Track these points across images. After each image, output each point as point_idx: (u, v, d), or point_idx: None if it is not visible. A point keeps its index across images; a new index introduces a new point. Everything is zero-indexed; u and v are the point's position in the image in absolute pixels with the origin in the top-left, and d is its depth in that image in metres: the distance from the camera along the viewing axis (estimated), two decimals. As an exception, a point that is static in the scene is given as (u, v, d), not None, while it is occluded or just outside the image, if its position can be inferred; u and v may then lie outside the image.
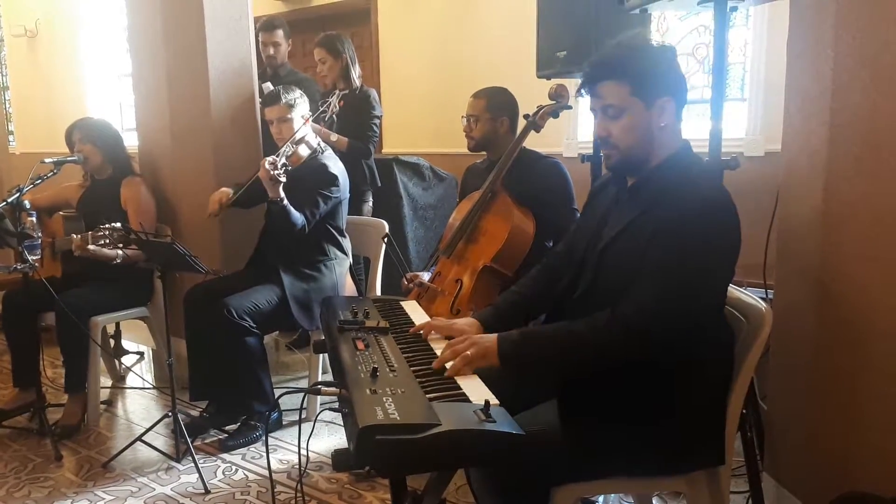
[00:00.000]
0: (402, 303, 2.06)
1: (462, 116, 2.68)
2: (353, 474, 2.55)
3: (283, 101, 2.85)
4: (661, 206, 1.50)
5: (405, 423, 1.20)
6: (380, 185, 3.78)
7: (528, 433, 1.25)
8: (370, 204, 3.76)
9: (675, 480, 1.64)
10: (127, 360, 3.92)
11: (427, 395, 1.35)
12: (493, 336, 1.55)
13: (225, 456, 2.75)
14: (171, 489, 2.51)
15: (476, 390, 1.40)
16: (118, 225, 2.70)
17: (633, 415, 1.52)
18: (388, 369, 1.48)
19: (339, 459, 2.61)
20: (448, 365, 1.50)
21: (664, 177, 1.55)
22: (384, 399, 1.30)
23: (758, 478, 2.00)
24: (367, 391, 1.34)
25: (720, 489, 1.62)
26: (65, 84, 7.20)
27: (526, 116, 2.59)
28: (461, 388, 1.41)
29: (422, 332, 1.72)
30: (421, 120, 5.28)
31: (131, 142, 3.57)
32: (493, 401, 1.32)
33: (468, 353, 1.51)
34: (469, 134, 2.67)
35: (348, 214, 3.08)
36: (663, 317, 1.45)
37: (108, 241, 2.70)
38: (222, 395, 2.93)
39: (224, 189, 2.97)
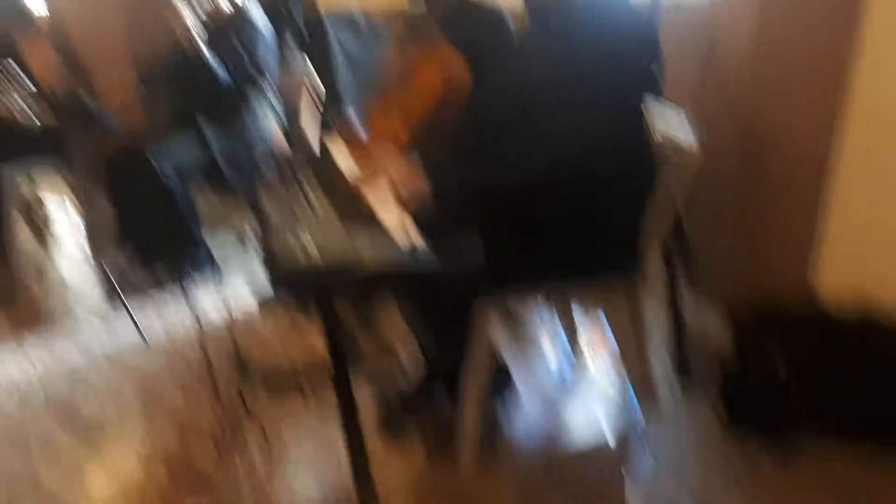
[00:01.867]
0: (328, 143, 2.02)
1: None
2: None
3: None
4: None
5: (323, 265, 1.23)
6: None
7: (449, 261, 1.30)
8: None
9: (593, 290, 1.70)
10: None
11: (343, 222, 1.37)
12: None
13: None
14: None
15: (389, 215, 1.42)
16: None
17: (550, 220, 1.57)
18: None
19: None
20: None
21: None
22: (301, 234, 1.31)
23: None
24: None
25: (637, 296, 1.69)
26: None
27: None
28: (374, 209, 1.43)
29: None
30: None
31: None
32: (419, 243, 1.34)
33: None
34: None
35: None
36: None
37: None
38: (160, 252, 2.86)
39: None
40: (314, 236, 1.33)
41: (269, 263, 1.37)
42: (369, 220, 1.46)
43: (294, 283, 1.21)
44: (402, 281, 1.31)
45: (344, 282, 1.24)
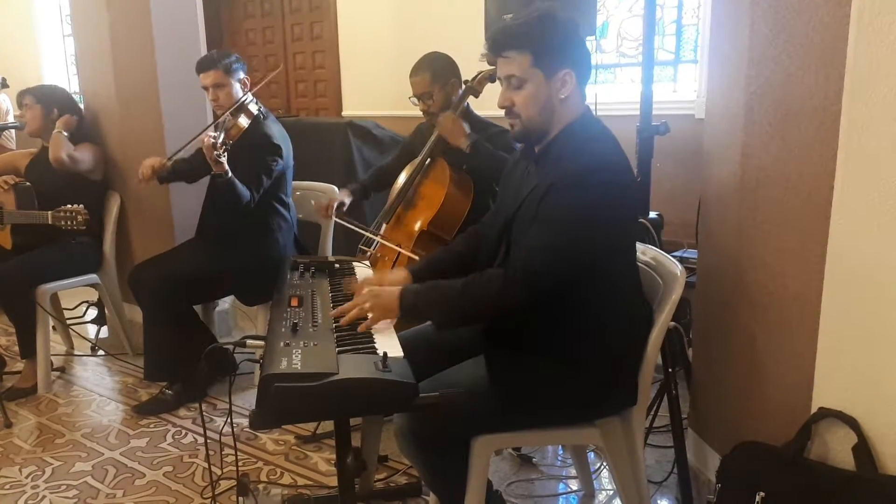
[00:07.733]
0: (354, 264, 2.08)
1: (410, 98, 2.62)
2: (300, 437, 2.60)
3: (220, 65, 2.68)
4: (556, 170, 1.56)
5: (304, 372, 1.26)
6: None
7: (420, 383, 1.31)
8: None
9: (590, 431, 1.71)
10: (85, 327, 3.90)
11: (337, 349, 1.40)
12: (397, 288, 1.62)
13: (175, 420, 2.79)
14: (120, 453, 2.55)
15: (387, 343, 1.46)
16: (81, 207, 2.73)
17: (551, 364, 1.60)
18: (310, 325, 1.53)
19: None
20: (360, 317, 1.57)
21: (562, 144, 1.60)
22: (294, 351, 1.35)
23: (681, 432, 2.09)
24: (281, 344, 1.39)
25: (632, 428, 1.70)
26: (19, 44, 7.02)
27: (466, 82, 2.59)
28: (374, 343, 1.47)
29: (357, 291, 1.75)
30: (380, 81, 5.25)
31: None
32: (394, 353, 1.37)
33: (366, 304, 1.57)
34: (430, 111, 2.60)
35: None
36: (546, 263, 1.50)
37: (70, 223, 2.69)
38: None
39: (157, 157, 2.78)
40: (304, 347, 1.38)
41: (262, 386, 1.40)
42: (362, 335, 1.50)
43: (269, 391, 1.24)
44: (370, 394, 1.32)
45: (318, 392, 1.25)
